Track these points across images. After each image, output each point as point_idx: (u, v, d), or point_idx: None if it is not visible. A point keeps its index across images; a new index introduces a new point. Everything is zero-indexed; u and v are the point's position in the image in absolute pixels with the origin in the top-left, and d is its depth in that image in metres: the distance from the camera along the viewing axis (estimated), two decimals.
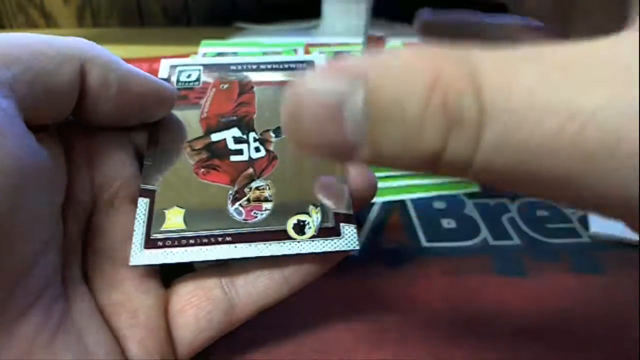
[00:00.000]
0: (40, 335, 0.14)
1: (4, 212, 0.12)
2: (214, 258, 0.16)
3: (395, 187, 0.27)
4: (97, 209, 0.17)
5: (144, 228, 0.17)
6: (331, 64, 0.10)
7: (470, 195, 0.29)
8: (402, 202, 0.28)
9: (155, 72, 0.19)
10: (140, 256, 0.16)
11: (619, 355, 0.19)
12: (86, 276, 0.16)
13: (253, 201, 0.18)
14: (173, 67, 0.21)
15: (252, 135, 0.19)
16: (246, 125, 0.20)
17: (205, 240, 0.17)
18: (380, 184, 0.26)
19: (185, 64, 0.21)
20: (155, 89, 0.17)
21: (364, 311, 0.21)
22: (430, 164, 0.10)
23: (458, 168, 0.10)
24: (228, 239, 0.17)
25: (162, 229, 0.17)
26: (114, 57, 0.16)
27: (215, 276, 0.17)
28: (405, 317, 0.20)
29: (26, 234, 0.13)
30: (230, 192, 0.18)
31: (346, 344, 0.19)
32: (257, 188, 0.18)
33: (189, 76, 0.21)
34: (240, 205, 0.17)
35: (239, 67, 0.21)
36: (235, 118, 0.20)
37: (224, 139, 0.19)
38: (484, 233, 0.26)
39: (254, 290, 0.17)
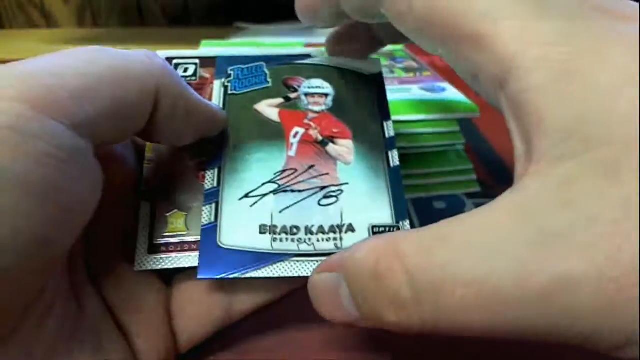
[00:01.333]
0: (60, 336, 0.14)
1: (58, 245, 0.12)
2: None
3: None
4: (105, 207, 0.17)
5: (147, 232, 0.17)
6: (327, 261, 0.14)
7: (470, 195, 0.29)
8: None
9: None
10: (145, 261, 0.17)
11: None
12: (90, 275, 0.16)
13: None
14: (169, 59, 0.21)
15: None
16: None
17: None
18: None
19: (181, 56, 0.21)
20: (212, 116, 0.18)
21: None
22: (397, 329, 0.12)
23: (419, 332, 0.12)
24: None
25: (164, 234, 0.17)
26: (183, 83, 0.16)
27: None
28: None
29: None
30: None
31: (346, 345, 0.19)
32: None
33: (185, 70, 0.21)
34: None
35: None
36: None
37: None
38: None
39: (252, 288, 0.18)
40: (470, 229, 0.12)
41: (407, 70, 0.32)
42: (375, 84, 0.21)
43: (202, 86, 0.20)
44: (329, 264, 0.14)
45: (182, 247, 0.17)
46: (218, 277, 0.16)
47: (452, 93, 0.28)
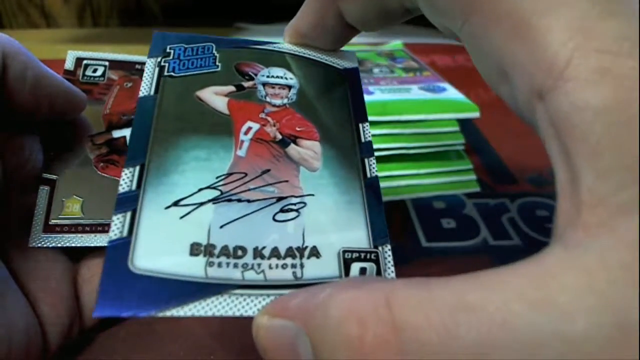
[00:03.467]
0: None
1: None
2: (106, 244, 0.17)
3: (395, 187, 0.27)
4: (11, 188, 0.18)
5: (44, 213, 0.18)
6: (279, 304, 0.11)
7: (470, 195, 0.29)
8: (402, 202, 0.28)
9: None
10: (39, 239, 0.18)
11: None
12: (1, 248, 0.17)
13: None
14: (80, 59, 0.21)
15: None
16: None
17: (99, 228, 0.18)
18: (380, 184, 0.26)
19: (91, 57, 0.22)
20: (64, 92, 0.18)
21: None
22: None
23: None
24: None
25: (60, 216, 0.18)
26: (32, 56, 0.17)
27: None
28: None
29: None
30: None
31: None
32: None
33: (94, 71, 0.21)
34: None
35: (143, 67, 0.22)
36: None
37: (124, 136, 0.20)
38: (484, 233, 0.26)
39: None
40: (512, 296, 0.09)
41: (407, 70, 0.32)
42: (350, 80, 0.18)
43: (108, 87, 0.21)
44: (285, 309, 0.11)
45: (76, 228, 0.18)
46: (122, 314, 0.12)
47: (452, 93, 0.28)
